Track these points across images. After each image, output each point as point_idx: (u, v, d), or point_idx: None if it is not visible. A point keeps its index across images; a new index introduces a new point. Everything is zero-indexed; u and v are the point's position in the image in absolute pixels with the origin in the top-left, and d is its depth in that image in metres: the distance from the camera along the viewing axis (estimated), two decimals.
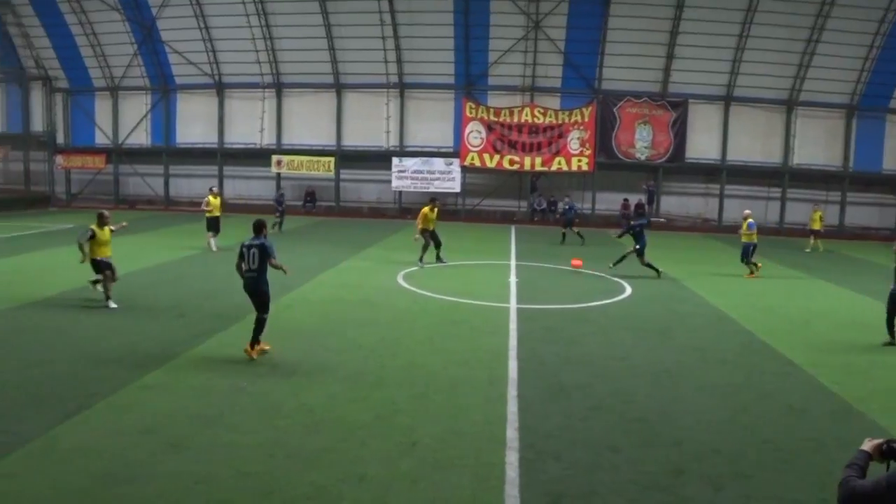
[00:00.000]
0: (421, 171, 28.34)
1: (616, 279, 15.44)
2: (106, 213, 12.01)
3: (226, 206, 21.95)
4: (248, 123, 31.38)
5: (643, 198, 28.74)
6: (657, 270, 15.33)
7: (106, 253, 11.41)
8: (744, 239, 16.43)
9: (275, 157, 30.25)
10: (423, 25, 27.88)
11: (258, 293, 8.65)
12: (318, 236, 22.31)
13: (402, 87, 29.17)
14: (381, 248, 19.96)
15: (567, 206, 22.39)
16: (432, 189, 27.74)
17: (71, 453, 6.01)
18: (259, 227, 8.71)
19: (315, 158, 29.77)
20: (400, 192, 29.34)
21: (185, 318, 10.97)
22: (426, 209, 16.38)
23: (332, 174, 29.65)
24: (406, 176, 28.47)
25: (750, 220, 16.45)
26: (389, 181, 28.60)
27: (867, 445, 2.67)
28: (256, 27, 29.58)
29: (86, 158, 34.08)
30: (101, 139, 34.32)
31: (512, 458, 5.97)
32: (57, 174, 35.06)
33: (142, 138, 33.42)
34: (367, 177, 29.80)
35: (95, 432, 6.44)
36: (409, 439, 6.33)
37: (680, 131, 28.21)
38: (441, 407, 7.26)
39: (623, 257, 15.84)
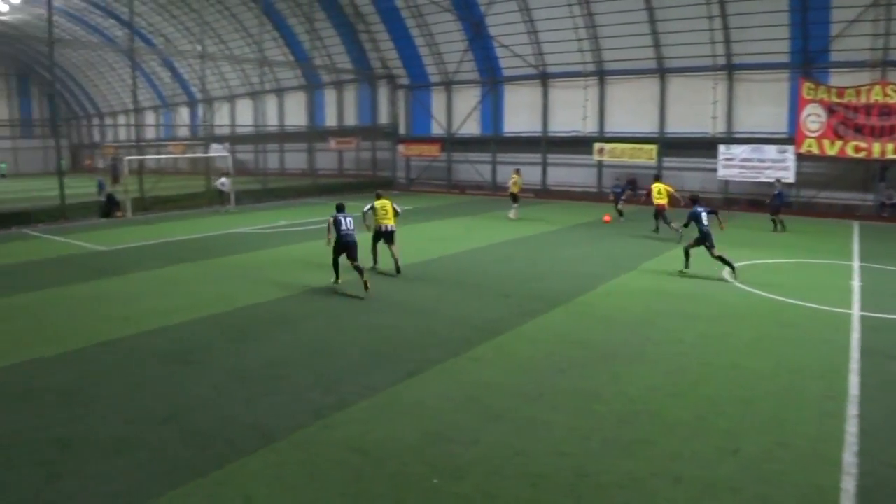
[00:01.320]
0: (750, 160, 30.33)
1: None
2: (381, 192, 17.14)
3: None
4: (571, 112, 36.33)
5: None
6: None
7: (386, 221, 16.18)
8: None
9: (597, 145, 34.68)
10: (754, 0, 29.10)
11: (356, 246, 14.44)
12: (640, 224, 24.87)
13: (731, 69, 31.34)
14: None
15: None
16: (762, 179, 29.39)
17: (409, 409, 8.00)
18: (340, 207, 15.08)
19: (637, 146, 33.50)
20: (726, 182, 31.37)
21: (510, 298, 13.64)
22: None
23: (654, 162, 33.03)
24: (734, 164, 30.68)
25: None
26: (714, 169, 31.04)
27: None
28: (579, 17, 33.93)
29: (423, 147, 42.18)
30: (436, 129, 42.38)
31: (848, 486, 6.09)
32: (399, 161, 43.89)
33: (472, 128, 40.44)
34: (690, 164, 32.49)
35: (429, 394, 8.43)
36: (730, 445, 6.84)
37: None
38: (768, 415, 7.69)
39: None
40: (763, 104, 31.08)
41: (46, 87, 75.24)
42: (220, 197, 32.77)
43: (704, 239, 15.50)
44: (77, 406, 8.33)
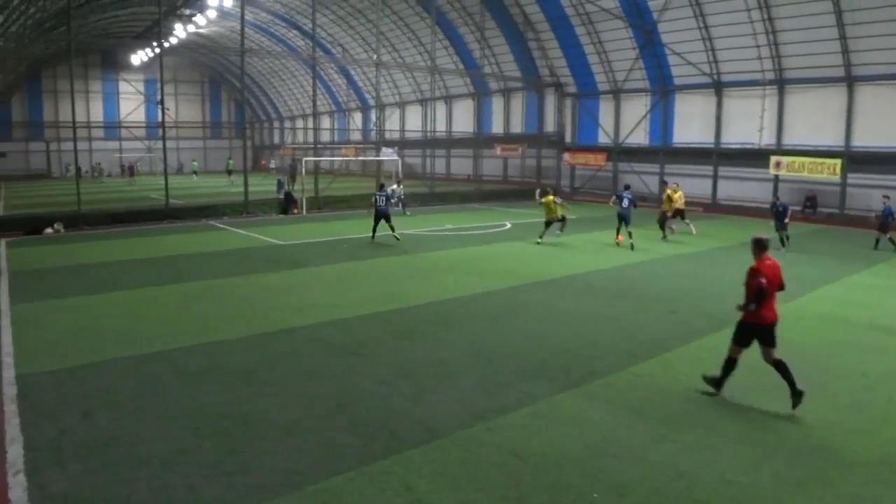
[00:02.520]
0: None
1: None
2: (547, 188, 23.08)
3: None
4: (746, 123, 34.83)
5: None
6: None
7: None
8: None
9: (773, 158, 32.91)
10: None
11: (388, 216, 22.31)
12: (818, 245, 23.79)
13: None
14: None
15: None
16: None
17: (570, 419, 8.00)
18: (381, 186, 23.35)
19: (818, 160, 31.47)
20: None
21: (676, 314, 13.33)
22: None
23: (837, 178, 30.84)
24: None
25: None
26: None
27: None
28: (758, 21, 32.44)
29: (588, 156, 42.01)
30: (602, 138, 41.66)
31: None
32: (563, 169, 43.74)
33: (640, 138, 39.80)
34: (879, 182, 30.06)
35: (592, 406, 8.39)
36: None
37: None
38: None
39: None
40: None
41: (235, 93, 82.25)
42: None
43: None
44: (256, 386, 9.20)
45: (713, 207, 35.95)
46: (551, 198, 23.21)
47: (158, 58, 32.25)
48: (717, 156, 36.35)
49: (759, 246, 8.91)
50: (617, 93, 41.02)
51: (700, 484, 6.57)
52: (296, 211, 32.53)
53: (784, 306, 13.90)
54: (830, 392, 9.21)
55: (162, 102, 32.76)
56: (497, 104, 51.17)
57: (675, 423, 8.05)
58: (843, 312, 13.91)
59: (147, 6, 54.94)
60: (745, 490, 6.47)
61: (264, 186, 40.28)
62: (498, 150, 48.22)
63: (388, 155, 42.11)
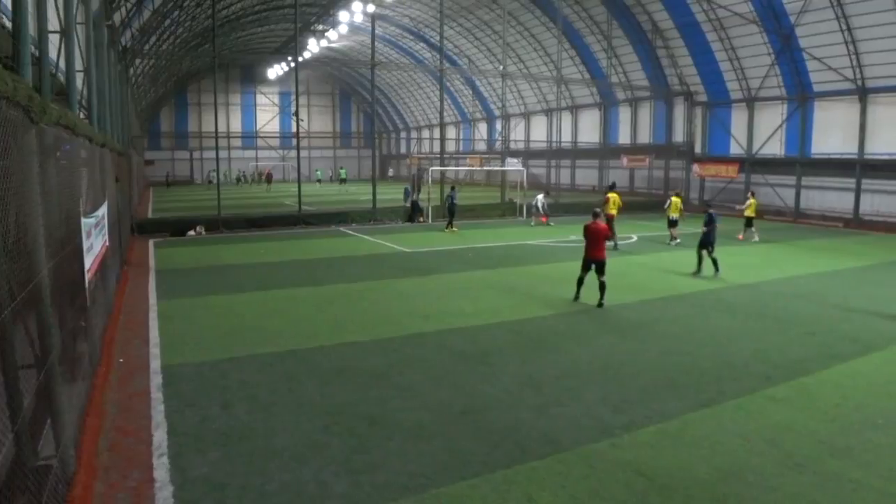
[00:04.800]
0: None
1: None
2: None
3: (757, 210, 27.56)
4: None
5: None
6: None
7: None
8: None
9: None
10: None
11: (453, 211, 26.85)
12: None
13: None
14: None
15: None
16: None
17: (700, 441, 7.78)
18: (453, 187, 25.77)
19: None
20: None
21: (815, 336, 12.67)
22: None
23: None
24: None
25: None
26: None
27: None
28: None
29: (719, 167, 40.73)
30: (735, 149, 40.36)
31: None
32: (692, 181, 42.44)
33: (775, 148, 38.25)
34: None
35: (723, 429, 8.14)
36: None
37: None
38: None
39: None
40: None
41: (364, 104, 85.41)
42: (531, 210, 34.64)
43: None
44: (385, 388, 9.53)
45: (855, 223, 33.91)
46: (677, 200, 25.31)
47: (293, 71, 34.04)
48: (861, 167, 34.28)
49: (593, 214, 15.69)
50: (751, 101, 39.45)
51: None
52: (421, 219, 33.45)
53: None
54: None
55: (297, 114, 34.76)
56: (624, 114, 50.43)
57: (812, 452, 7.65)
58: None
59: (283, 23, 58.08)
60: None
61: (390, 195, 41.54)
62: (624, 161, 47.46)
63: (513, 165, 42.41)
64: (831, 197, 35.46)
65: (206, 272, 19.28)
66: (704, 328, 13.31)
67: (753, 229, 27.12)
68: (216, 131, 31.55)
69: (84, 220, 9.39)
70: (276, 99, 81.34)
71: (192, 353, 11.15)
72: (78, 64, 15.88)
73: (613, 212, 25.28)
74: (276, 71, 68.41)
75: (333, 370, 10.36)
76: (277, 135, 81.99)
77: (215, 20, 32.39)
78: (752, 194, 28.64)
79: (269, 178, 65.48)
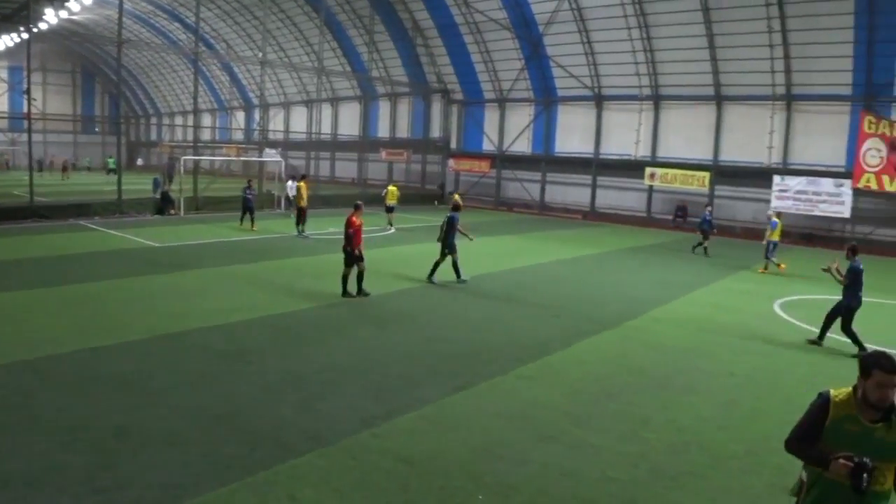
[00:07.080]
0: (805, 192, 30.18)
1: None
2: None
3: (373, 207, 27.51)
4: (624, 135, 36.56)
5: None
6: None
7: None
8: None
9: (648, 170, 34.77)
10: (817, 31, 29.22)
11: (449, 246, 17.02)
12: (691, 253, 24.99)
13: (790, 100, 31.27)
14: (758, 272, 21.35)
15: None
16: (817, 213, 29.39)
17: (457, 423, 8.13)
18: (455, 207, 18.09)
19: (689, 172, 33.51)
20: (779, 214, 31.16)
21: (559, 318, 13.91)
22: None
23: (706, 189, 32.93)
24: (788, 196, 30.56)
25: None
26: (768, 200, 30.82)
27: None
28: (637, 40, 34.20)
29: (473, 162, 42.84)
30: (487, 146, 42.76)
31: None
32: (448, 175, 44.32)
33: (523, 146, 41.00)
34: (743, 194, 32.41)
35: (478, 410, 8.56)
36: (782, 482, 6.39)
37: None
38: None
39: None
40: (821, 136, 30.75)
41: (110, 86, 78.39)
42: (287, 201, 33.58)
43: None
44: (134, 396, 8.61)
45: (593, 215, 37.50)
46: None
47: (26, 44, 30.33)
48: (597, 166, 37.90)
49: (356, 207, 15.59)
50: (502, 101, 42.00)
51: (584, 483, 6.78)
52: (173, 212, 31.34)
53: (661, 309, 15.34)
54: (702, 390, 9.78)
55: (28, 92, 30.72)
56: (384, 108, 51.31)
57: (559, 424, 8.24)
58: (713, 315, 14.84)
59: None
60: (626, 486, 6.77)
61: (139, 185, 38.61)
62: (383, 155, 48.38)
63: (272, 156, 41.45)
64: (572, 192, 38.86)
65: None
66: (461, 314, 13.89)
67: (775, 261, 21.52)
68: None
69: None
70: (3, 74, 72.09)
71: None
72: None
73: (304, 204, 25.83)
74: (4, 41, 60.67)
75: (75, 380, 9.13)
76: (5, 115, 72.61)
77: None
78: (778, 215, 23.27)
79: (64, 168, 58.23)
